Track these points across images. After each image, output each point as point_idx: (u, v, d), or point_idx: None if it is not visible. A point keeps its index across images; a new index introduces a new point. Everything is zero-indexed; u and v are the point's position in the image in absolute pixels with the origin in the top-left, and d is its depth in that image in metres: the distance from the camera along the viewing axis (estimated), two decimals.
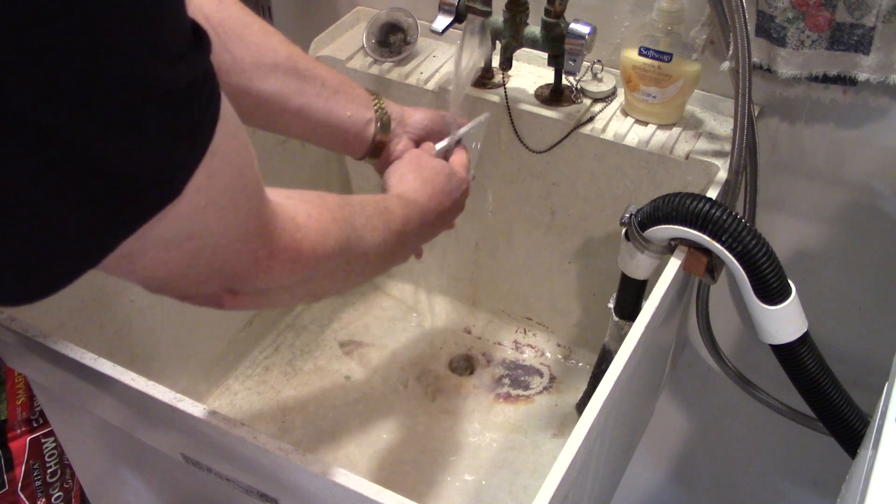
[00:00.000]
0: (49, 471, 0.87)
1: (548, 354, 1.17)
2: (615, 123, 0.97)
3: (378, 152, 0.79)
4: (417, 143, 0.82)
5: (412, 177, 0.74)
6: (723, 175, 0.88)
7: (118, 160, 0.33)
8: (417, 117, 0.82)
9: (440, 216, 0.74)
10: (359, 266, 0.59)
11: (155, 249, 0.39)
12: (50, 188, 0.32)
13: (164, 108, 0.34)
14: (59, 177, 0.32)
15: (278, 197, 0.49)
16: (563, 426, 1.07)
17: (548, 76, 1.02)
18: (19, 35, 0.28)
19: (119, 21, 0.31)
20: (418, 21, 1.07)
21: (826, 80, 0.86)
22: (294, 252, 0.49)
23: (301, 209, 0.51)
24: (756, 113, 0.94)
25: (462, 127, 0.86)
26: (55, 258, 0.35)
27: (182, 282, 0.44)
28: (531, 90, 1.02)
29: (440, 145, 0.83)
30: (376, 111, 0.78)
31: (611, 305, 0.92)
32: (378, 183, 0.79)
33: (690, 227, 0.76)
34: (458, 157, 0.83)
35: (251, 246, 0.45)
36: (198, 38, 0.35)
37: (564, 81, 0.99)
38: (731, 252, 0.75)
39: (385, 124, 0.78)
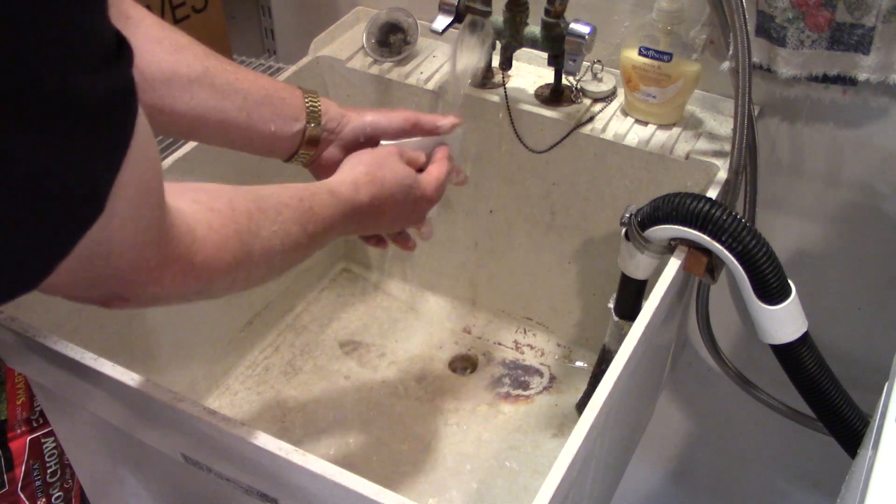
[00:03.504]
0: (49, 471, 0.87)
1: (548, 354, 1.17)
2: (615, 123, 0.97)
3: (306, 161, 0.77)
4: (352, 150, 0.76)
5: (363, 171, 0.69)
6: (723, 175, 0.88)
7: (47, 174, 0.32)
8: (359, 123, 0.77)
9: (380, 217, 0.70)
10: (260, 272, 0.57)
11: None
12: None
13: (84, 118, 0.33)
14: None
15: (184, 200, 0.48)
16: (563, 426, 1.07)
17: (548, 76, 1.02)
18: None
19: (36, 29, 0.30)
20: (418, 21, 1.07)
21: (826, 80, 0.86)
22: (186, 264, 0.48)
23: (202, 219, 0.50)
24: (756, 113, 0.94)
25: (433, 133, 0.79)
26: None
27: (71, 285, 0.44)
28: (531, 90, 1.02)
29: (385, 143, 0.77)
30: (308, 121, 0.74)
31: (611, 305, 0.92)
32: None
33: (690, 227, 0.76)
34: (434, 167, 0.77)
35: (144, 255, 0.44)
36: (120, 49, 0.35)
37: (564, 81, 0.99)
38: (731, 252, 0.75)
39: (314, 137, 0.75)
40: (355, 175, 0.69)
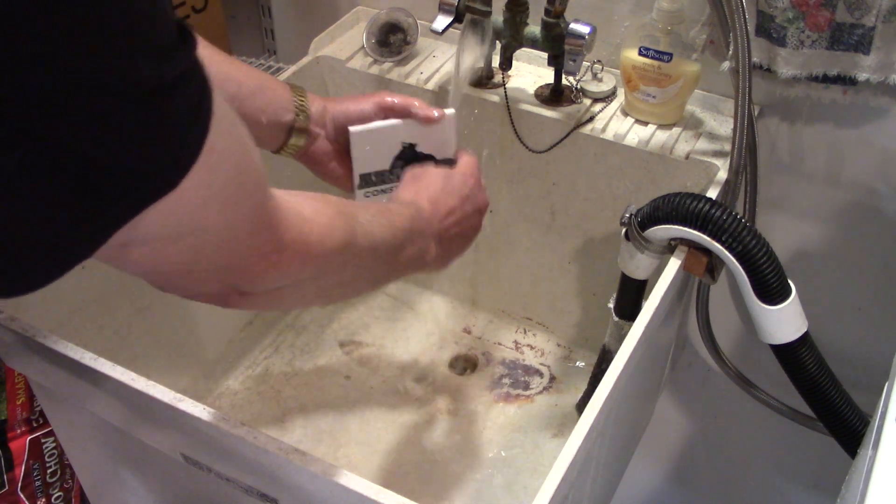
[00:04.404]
0: (49, 471, 0.87)
1: (548, 354, 1.17)
2: (615, 123, 0.97)
3: (295, 153, 0.78)
4: (336, 140, 0.79)
5: (408, 187, 0.73)
6: (723, 175, 0.88)
7: (105, 154, 0.33)
8: (337, 111, 0.78)
9: (449, 215, 0.73)
10: (369, 261, 0.58)
11: (155, 242, 0.39)
12: (37, 183, 0.32)
13: (150, 103, 0.34)
14: (45, 172, 0.32)
15: (283, 195, 0.49)
16: (563, 426, 1.07)
17: (548, 76, 1.02)
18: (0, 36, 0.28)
19: (99, 18, 0.31)
20: (418, 21, 1.07)
21: (826, 80, 0.86)
22: (302, 245, 0.49)
23: (307, 204, 0.51)
24: (756, 113, 0.94)
25: (410, 116, 0.78)
26: (46, 251, 0.36)
27: (187, 278, 0.45)
28: (531, 90, 1.02)
29: (356, 128, 0.77)
30: (296, 114, 0.76)
31: (611, 305, 0.92)
32: None
33: (690, 227, 0.76)
34: (461, 159, 0.80)
35: (257, 241, 0.45)
36: (182, 35, 0.36)
37: (564, 81, 0.99)
38: (731, 252, 0.75)
39: (301, 129, 0.76)
40: (405, 193, 0.72)
